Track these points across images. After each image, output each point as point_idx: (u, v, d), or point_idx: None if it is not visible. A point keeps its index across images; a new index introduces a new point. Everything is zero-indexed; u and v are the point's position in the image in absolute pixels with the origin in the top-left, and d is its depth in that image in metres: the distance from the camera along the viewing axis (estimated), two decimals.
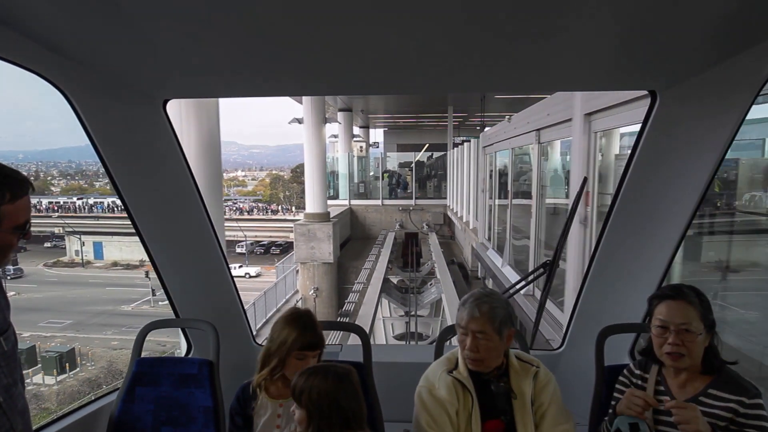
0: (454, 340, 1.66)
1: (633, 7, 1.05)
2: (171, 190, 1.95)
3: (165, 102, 1.77)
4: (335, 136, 21.56)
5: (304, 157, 14.18)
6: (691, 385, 1.32)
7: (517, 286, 2.36)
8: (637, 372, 1.45)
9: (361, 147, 22.18)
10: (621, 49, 1.34)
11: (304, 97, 13.86)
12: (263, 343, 1.96)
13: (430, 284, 11.61)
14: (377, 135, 29.95)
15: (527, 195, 6.81)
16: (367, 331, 7.50)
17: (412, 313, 9.67)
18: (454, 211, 16.88)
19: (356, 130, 24.05)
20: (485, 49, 1.33)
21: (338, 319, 9.01)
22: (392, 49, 1.34)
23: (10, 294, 1.39)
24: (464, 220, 14.23)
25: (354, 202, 18.74)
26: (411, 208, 18.94)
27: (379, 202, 19.02)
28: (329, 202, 15.04)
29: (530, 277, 2.43)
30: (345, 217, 17.18)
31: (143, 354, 1.85)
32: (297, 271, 14.90)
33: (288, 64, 1.45)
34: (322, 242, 13.22)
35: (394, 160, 22.95)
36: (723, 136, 1.54)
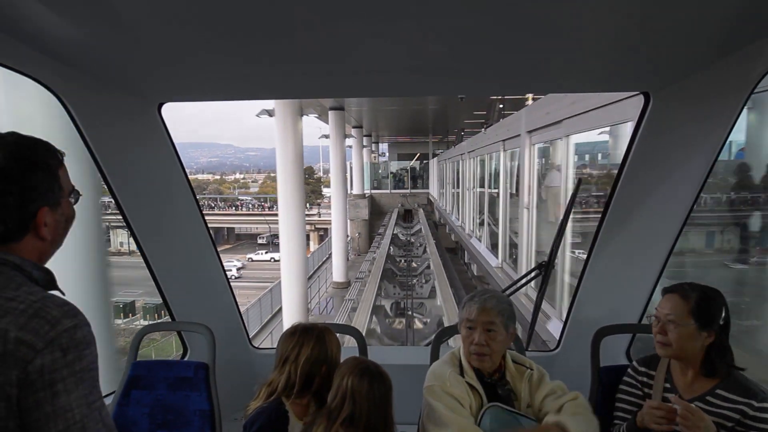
0: (450, 342, 1.76)
1: (625, 10, 1.10)
2: (166, 193, 2.03)
3: (160, 105, 1.85)
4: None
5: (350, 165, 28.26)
6: (699, 384, 1.37)
7: (514, 287, 2.42)
8: (642, 369, 1.50)
9: (374, 156, 36.54)
10: (613, 52, 1.40)
11: (353, 129, 27.97)
12: (259, 346, 2.15)
13: (416, 224, 26.07)
14: (383, 147, 44.61)
15: (456, 186, 20.32)
16: (389, 225, 21.55)
17: (409, 234, 23.93)
18: (432, 195, 31.10)
19: (372, 146, 38.36)
20: (477, 54, 1.41)
21: (378, 232, 23.10)
22: (387, 53, 1.41)
23: None
24: (434, 198, 28.60)
25: (373, 191, 32.91)
26: (408, 195, 33.26)
27: (388, 191, 33.33)
28: (354, 192, 29.08)
29: (526, 278, 2.45)
30: (368, 200, 31.28)
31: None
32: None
33: (282, 67, 1.54)
34: (361, 209, 27.30)
35: (395, 165, 37.35)
36: (716, 136, 1.60)
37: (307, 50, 1.37)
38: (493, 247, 9.79)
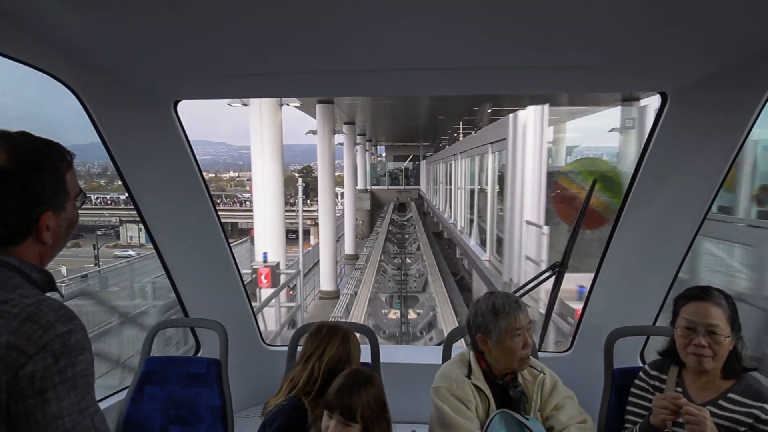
0: (460, 343, 1.84)
1: (645, 9, 1.11)
2: (181, 191, 2.08)
3: (176, 103, 1.89)
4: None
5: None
6: (711, 388, 1.39)
7: (527, 287, 2.47)
8: (653, 373, 1.51)
9: (374, 157, 44.20)
10: (632, 52, 1.41)
11: (358, 136, 35.41)
12: (270, 343, 2.28)
13: (408, 213, 33.74)
14: (381, 149, 52.37)
15: (436, 183, 28.00)
16: (387, 213, 29.46)
17: (403, 219, 31.50)
18: (422, 191, 38.73)
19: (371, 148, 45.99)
20: (494, 52, 1.43)
21: (380, 216, 30.68)
22: (394, 52, 1.44)
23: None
24: (424, 192, 36.27)
25: (372, 187, 40.46)
26: (402, 190, 40.95)
27: (385, 187, 40.98)
28: (359, 187, 36.62)
29: (538, 279, 2.46)
30: (369, 194, 38.81)
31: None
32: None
33: (296, 66, 1.57)
34: (364, 201, 34.80)
35: (391, 165, 45.04)
36: (734, 137, 1.63)
37: (320, 49, 1.40)
38: (451, 216, 17.61)
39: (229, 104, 11.63)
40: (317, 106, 18.93)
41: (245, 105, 11.51)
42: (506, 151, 7.53)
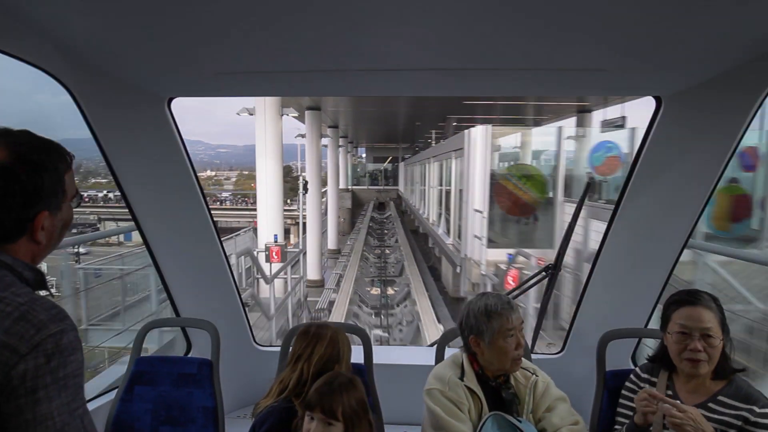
0: (454, 344, 1.85)
1: (640, 14, 1.13)
2: (174, 189, 2.07)
3: (170, 100, 1.89)
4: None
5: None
6: (701, 391, 1.40)
7: (520, 289, 2.49)
8: (644, 376, 1.53)
9: (355, 158, 46.66)
10: (627, 56, 1.43)
11: (340, 138, 37.73)
12: (262, 344, 2.27)
13: (387, 212, 36.30)
14: (361, 150, 54.88)
15: (413, 183, 30.73)
16: (368, 211, 32.18)
17: (383, 216, 33.97)
18: (401, 191, 41.34)
19: (352, 149, 48.39)
20: (491, 53, 1.43)
21: (361, 214, 33.10)
22: (391, 53, 1.45)
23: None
24: (402, 192, 38.90)
25: (353, 187, 42.82)
26: (382, 190, 43.40)
27: (365, 187, 43.40)
28: (340, 186, 38.98)
29: (532, 281, 2.49)
30: (351, 193, 41.15)
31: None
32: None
33: (292, 65, 1.57)
34: (346, 199, 37.08)
35: (371, 166, 47.54)
36: (727, 142, 1.65)
37: (314, 49, 1.40)
38: (425, 212, 20.19)
39: (237, 114, 13.59)
40: (306, 112, 21.11)
41: (251, 114, 13.27)
42: (463, 158, 10.03)
